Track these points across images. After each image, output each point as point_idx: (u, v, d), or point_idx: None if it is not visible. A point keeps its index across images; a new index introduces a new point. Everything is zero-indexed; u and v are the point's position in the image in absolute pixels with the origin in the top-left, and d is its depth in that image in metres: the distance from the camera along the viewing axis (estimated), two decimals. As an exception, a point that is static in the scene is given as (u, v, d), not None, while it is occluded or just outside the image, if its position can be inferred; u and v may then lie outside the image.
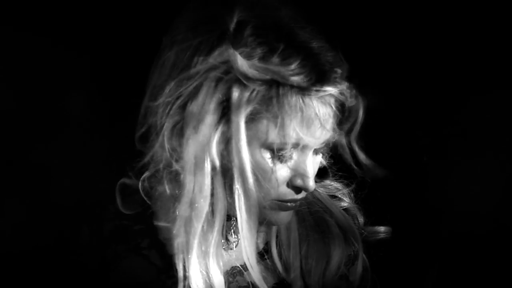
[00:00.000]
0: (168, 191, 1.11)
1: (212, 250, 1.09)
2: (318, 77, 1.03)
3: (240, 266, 1.21)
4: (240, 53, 1.01)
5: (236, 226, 1.20)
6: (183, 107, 1.05)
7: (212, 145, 1.03)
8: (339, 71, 1.05)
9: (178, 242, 1.09)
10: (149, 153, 1.11)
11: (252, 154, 1.05)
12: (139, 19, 1.41)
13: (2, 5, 1.31)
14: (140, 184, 1.15)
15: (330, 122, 1.08)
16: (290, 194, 1.11)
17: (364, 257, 1.29)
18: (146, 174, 1.13)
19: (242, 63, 1.00)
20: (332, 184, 1.31)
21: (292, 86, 1.02)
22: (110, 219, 1.23)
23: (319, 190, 1.30)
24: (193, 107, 1.04)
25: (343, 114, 1.09)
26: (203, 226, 1.07)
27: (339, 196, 1.32)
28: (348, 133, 1.12)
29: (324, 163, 1.21)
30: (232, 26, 1.03)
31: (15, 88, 1.37)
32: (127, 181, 1.20)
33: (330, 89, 1.04)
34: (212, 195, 1.06)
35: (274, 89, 1.02)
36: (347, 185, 1.31)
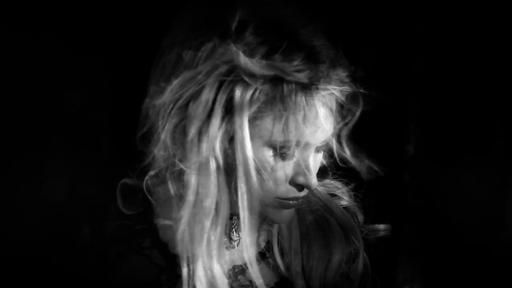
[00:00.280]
0: (171, 190, 1.11)
1: (216, 249, 1.09)
2: (320, 74, 1.04)
3: (242, 265, 1.21)
4: (243, 52, 1.02)
5: (237, 224, 1.21)
6: (185, 107, 1.06)
7: (216, 144, 1.04)
8: (340, 69, 1.06)
9: (182, 241, 1.09)
10: (151, 153, 1.11)
11: (255, 152, 1.05)
12: (140, 20, 1.41)
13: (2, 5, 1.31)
14: (143, 184, 1.15)
15: (331, 120, 1.09)
16: (292, 192, 1.12)
17: (365, 255, 1.30)
18: (149, 174, 1.14)
19: (245, 61, 1.01)
20: (332, 183, 1.32)
21: (295, 84, 1.03)
22: (111, 219, 1.23)
23: (318, 189, 1.30)
24: (196, 106, 1.04)
25: (343, 112, 1.10)
26: (207, 225, 1.07)
27: (339, 194, 1.33)
28: (347, 131, 1.13)
29: (324, 162, 1.22)
30: (234, 25, 1.04)
31: (14, 87, 1.37)
32: (128, 182, 1.20)
33: (332, 87, 1.05)
34: (216, 194, 1.07)
35: (277, 87, 1.03)
36: (346, 184, 1.32)
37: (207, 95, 1.03)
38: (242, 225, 1.08)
